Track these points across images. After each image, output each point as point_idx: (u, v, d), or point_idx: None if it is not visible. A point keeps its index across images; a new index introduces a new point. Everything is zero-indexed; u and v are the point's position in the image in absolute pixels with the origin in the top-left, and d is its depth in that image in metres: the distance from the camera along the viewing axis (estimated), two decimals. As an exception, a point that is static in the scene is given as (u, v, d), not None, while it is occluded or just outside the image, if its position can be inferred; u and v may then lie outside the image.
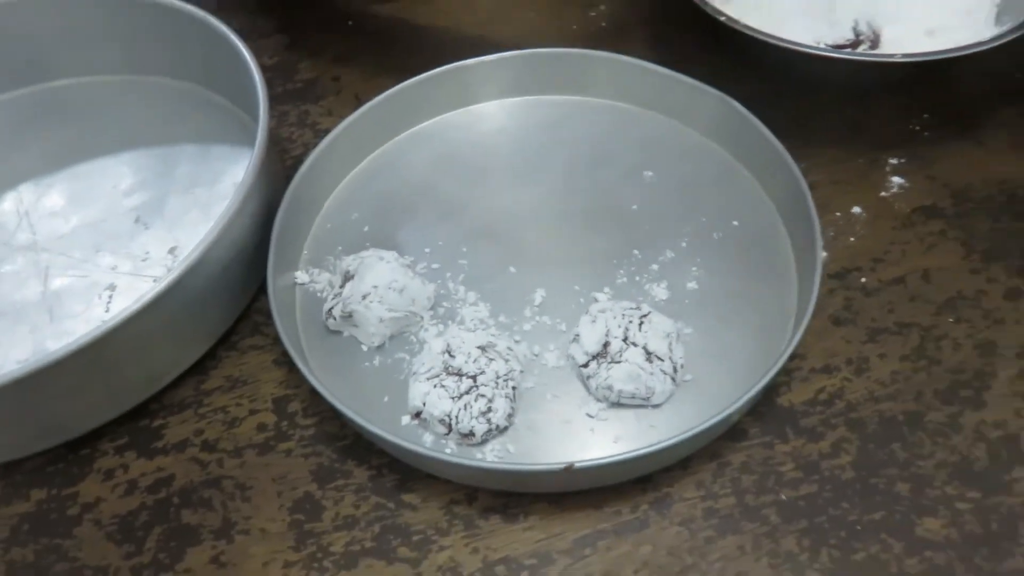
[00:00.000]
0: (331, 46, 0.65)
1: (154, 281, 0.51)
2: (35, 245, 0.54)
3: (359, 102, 0.58)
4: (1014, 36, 0.52)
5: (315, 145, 0.54)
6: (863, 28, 0.56)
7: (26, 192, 0.57)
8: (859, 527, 0.41)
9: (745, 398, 0.41)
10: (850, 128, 0.57)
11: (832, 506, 0.42)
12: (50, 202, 0.56)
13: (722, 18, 0.53)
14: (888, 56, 0.52)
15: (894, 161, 0.55)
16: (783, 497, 0.42)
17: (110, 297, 0.51)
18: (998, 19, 0.57)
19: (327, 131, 0.55)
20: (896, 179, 0.54)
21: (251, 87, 0.52)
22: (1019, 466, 0.42)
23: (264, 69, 0.53)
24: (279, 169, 0.55)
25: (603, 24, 0.65)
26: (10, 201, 0.56)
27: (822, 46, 0.55)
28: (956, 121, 0.57)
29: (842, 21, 0.56)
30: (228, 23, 0.55)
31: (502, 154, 0.57)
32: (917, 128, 0.57)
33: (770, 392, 0.46)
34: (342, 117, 0.56)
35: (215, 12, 0.57)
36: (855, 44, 0.56)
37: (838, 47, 0.56)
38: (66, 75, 0.63)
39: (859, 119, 0.57)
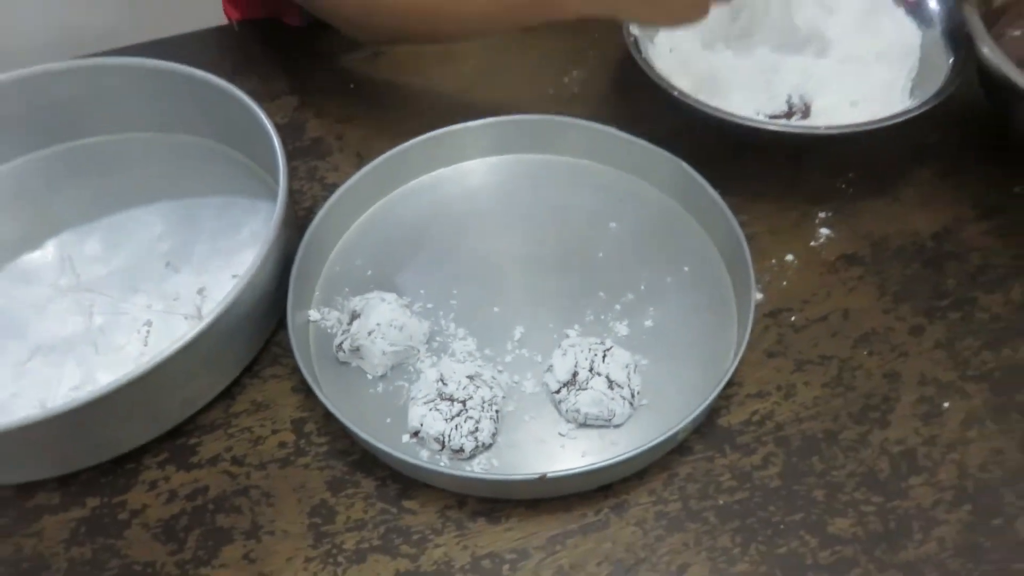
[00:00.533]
0: (335, 108, 0.73)
1: (185, 318, 0.59)
2: (78, 286, 0.61)
3: (361, 159, 0.67)
4: (924, 109, 0.61)
5: (324, 199, 0.62)
6: (796, 100, 0.65)
7: (68, 239, 0.64)
8: (782, 526, 0.49)
9: (689, 419, 0.50)
10: (786, 185, 0.66)
11: (761, 509, 0.50)
12: (90, 248, 0.64)
13: (675, 92, 0.62)
14: (813, 128, 0.61)
15: (823, 214, 0.64)
16: (720, 502, 0.50)
17: (147, 332, 0.58)
18: (912, 92, 0.66)
19: (333, 185, 0.64)
20: (824, 230, 0.63)
21: (269, 148, 0.59)
22: (915, 476, 0.51)
23: (276, 128, 0.61)
24: (293, 220, 0.62)
25: (575, 90, 0.73)
26: (54, 247, 0.64)
27: (760, 116, 0.64)
28: (876, 180, 0.66)
29: (778, 94, 0.65)
30: (243, 86, 0.63)
31: (486, 207, 0.65)
32: (843, 186, 0.66)
33: (712, 414, 0.54)
34: (346, 173, 0.64)
35: (231, 76, 0.65)
36: (789, 114, 0.65)
37: (774, 117, 0.65)
38: (100, 133, 0.69)
39: (794, 177, 0.66)
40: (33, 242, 0.64)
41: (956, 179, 0.66)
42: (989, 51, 0.60)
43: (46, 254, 0.64)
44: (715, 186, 0.60)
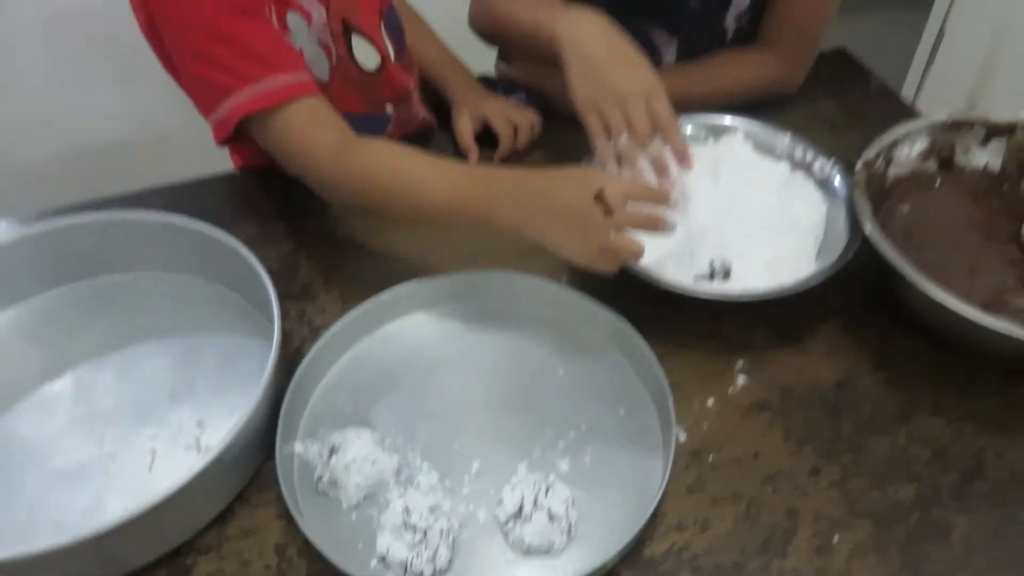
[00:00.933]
0: (325, 253, 0.84)
1: (185, 448, 0.68)
2: (91, 416, 0.70)
3: (345, 303, 0.77)
4: (825, 276, 0.73)
5: (311, 340, 0.72)
6: (717, 265, 0.76)
7: (84, 371, 0.73)
8: (692, 646, 0.58)
9: (617, 551, 0.59)
10: (709, 338, 0.76)
11: (675, 630, 0.59)
12: (103, 380, 0.72)
13: (615, 258, 0.73)
14: (730, 295, 0.73)
15: (740, 364, 0.74)
16: (641, 623, 0.59)
17: (152, 459, 0.67)
18: (818, 256, 0.78)
19: (320, 328, 0.73)
20: (741, 379, 0.73)
21: (264, 294, 0.70)
22: (806, 602, 0.60)
23: (271, 272, 0.71)
24: (283, 362, 0.72)
25: (533, 246, 0.84)
26: (71, 379, 0.73)
27: (688, 277, 0.75)
28: (786, 334, 0.77)
29: (702, 259, 0.76)
30: (243, 231, 0.73)
31: (452, 350, 0.75)
32: (757, 339, 0.77)
33: (638, 544, 0.63)
34: (332, 315, 0.74)
35: (232, 221, 0.75)
36: (712, 275, 0.76)
37: (699, 277, 0.76)
38: (116, 271, 0.79)
39: (716, 331, 0.77)
40: (53, 373, 0.73)
41: (856, 334, 0.77)
42: (870, 230, 0.72)
43: (65, 385, 0.72)
44: (647, 337, 0.71)
